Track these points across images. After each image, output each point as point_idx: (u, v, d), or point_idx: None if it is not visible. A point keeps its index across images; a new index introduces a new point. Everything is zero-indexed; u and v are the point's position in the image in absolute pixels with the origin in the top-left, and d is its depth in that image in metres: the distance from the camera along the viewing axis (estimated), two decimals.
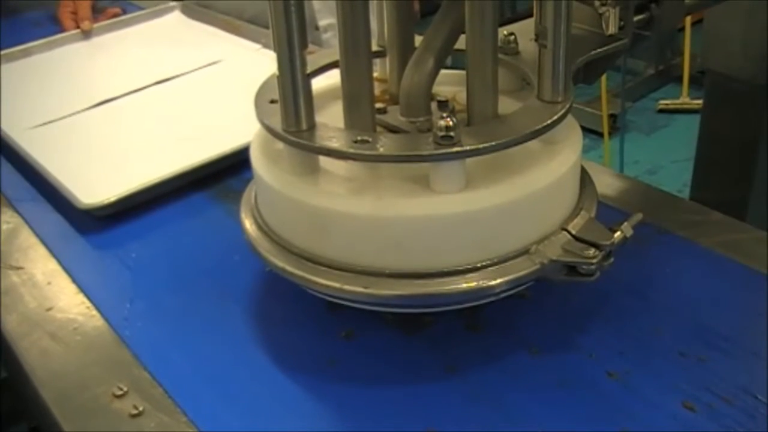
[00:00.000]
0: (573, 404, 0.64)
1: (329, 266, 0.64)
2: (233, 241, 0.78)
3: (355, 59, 0.64)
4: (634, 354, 0.68)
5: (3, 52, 1.40)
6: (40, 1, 1.73)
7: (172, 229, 0.91)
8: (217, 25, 1.45)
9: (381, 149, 0.62)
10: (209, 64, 1.29)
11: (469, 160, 0.62)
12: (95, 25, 1.50)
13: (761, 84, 1.24)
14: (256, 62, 1.28)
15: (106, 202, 0.90)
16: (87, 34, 1.49)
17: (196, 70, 1.28)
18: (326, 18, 1.49)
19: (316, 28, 1.50)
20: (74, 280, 0.83)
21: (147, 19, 1.54)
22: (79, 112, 1.17)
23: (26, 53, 1.43)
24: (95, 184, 0.93)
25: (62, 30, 1.53)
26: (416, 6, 1.48)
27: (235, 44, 1.37)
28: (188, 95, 1.20)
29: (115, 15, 1.58)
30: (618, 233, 0.65)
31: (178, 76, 1.25)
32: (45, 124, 1.14)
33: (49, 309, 0.79)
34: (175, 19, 1.54)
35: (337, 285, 0.63)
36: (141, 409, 0.66)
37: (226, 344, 0.72)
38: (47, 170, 0.97)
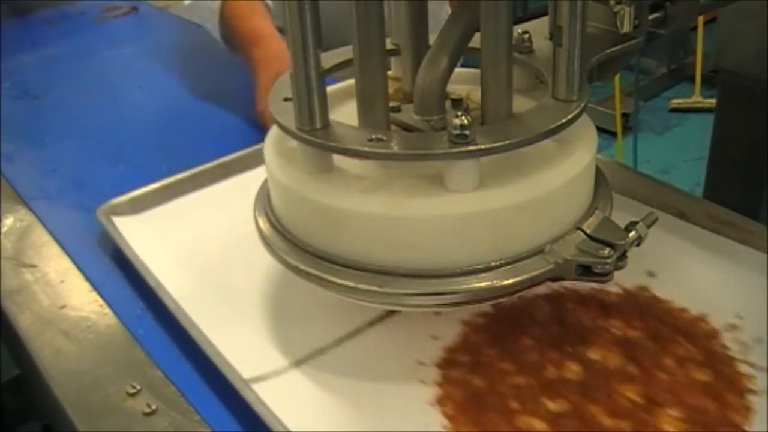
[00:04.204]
0: None
1: (343, 265, 0.64)
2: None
3: (369, 58, 0.64)
4: None
5: (195, 170, 0.97)
6: (53, 0, 1.73)
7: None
8: None
9: (395, 148, 0.61)
10: None
11: (483, 159, 0.62)
12: None
13: None
14: None
15: None
16: None
17: None
18: None
19: None
20: (87, 278, 0.83)
21: None
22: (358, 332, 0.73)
23: (225, 171, 0.98)
24: None
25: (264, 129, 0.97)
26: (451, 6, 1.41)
27: None
28: None
29: None
30: (633, 233, 0.65)
31: None
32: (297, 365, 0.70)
33: (63, 307, 0.79)
34: None
35: (351, 284, 0.63)
36: (154, 407, 0.66)
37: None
38: None
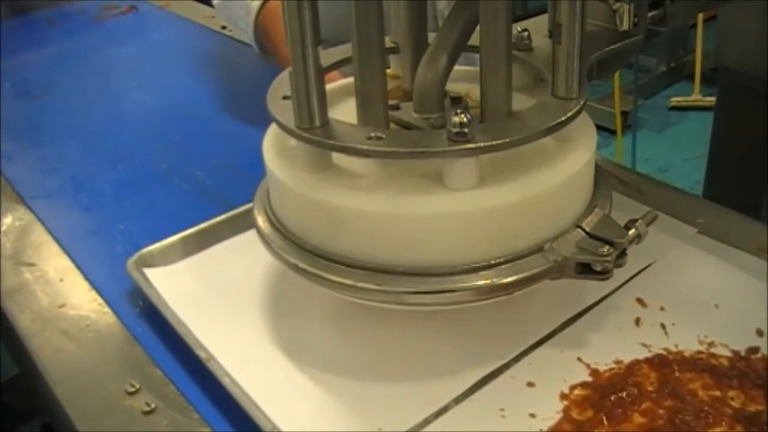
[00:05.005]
0: None
1: (342, 263, 0.64)
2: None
3: (368, 56, 0.64)
4: None
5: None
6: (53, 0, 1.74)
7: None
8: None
9: (394, 146, 0.61)
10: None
11: (482, 157, 0.62)
12: None
13: None
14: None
15: None
16: None
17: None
18: None
19: None
20: (86, 277, 0.83)
21: None
22: None
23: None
24: None
25: None
26: None
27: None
28: None
29: None
30: (632, 231, 0.65)
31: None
32: None
33: (62, 306, 0.79)
34: None
35: (350, 282, 0.63)
36: (153, 406, 0.66)
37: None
38: None
